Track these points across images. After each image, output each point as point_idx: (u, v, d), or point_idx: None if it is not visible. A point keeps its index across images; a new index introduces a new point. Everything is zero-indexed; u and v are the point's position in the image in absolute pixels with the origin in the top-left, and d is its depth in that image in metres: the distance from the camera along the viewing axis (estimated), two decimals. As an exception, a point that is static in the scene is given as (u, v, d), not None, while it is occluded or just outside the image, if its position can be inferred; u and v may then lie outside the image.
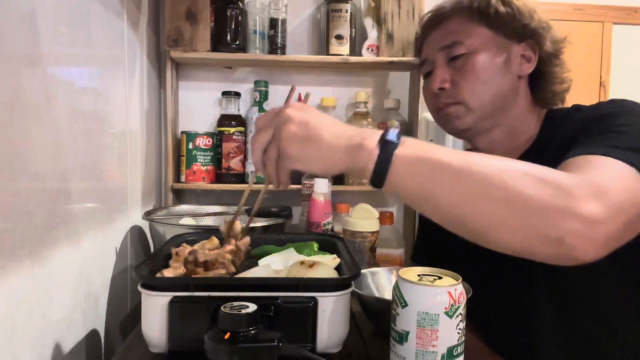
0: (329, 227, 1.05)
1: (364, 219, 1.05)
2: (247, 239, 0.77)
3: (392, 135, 0.54)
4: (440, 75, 0.82)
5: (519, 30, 0.80)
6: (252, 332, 0.55)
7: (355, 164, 0.55)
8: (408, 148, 0.54)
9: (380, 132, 0.55)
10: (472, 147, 0.91)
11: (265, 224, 1.00)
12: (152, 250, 1.15)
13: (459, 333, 0.55)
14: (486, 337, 0.78)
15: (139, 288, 0.63)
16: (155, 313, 0.62)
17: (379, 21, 1.29)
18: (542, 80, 0.83)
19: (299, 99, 1.35)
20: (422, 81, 0.96)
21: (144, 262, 0.70)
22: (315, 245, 0.84)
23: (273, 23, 1.29)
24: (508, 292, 0.81)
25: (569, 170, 0.55)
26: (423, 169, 0.53)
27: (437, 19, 0.86)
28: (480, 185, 0.51)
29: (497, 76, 0.80)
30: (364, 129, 0.58)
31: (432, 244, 0.97)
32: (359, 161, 0.54)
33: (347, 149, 0.55)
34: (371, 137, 0.55)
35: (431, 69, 0.86)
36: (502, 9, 0.80)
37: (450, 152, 0.54)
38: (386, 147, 0.53)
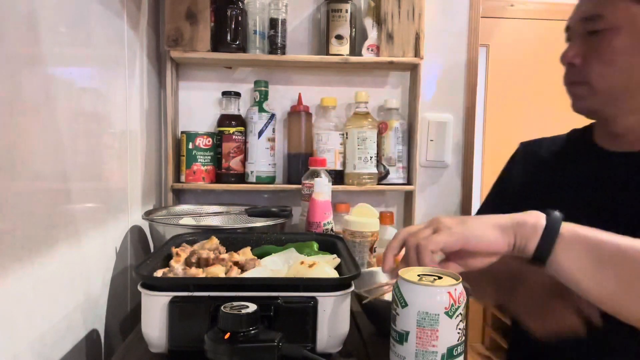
0: (329, 227, 1.05)
1: (364, 218, 1.05)
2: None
3: (555, 213, 0.58)
4: (574, 49, 0.77)
5: None
6: (252, 332, 0.55)
7: (518, 239, 0.58)
8: (571, 224, 0.57)
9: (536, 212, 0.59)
10: (601, 129, 0.84)
11: (265, 224, 1.00)
12: (152, 250, 1.15)
13: (459, 333, 0.55)
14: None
15: (139, 288, 0.63)
16: (155, 313, 0.62)
17: (379, 21, 1.29)
18: None
19: (299, 99, 1.35)
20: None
21: (144, 262, 0.70)
22: (315, 245, 0.84)
23: (273, 23, 1.29)
24: None
25: None
26: (589, 245, 0.56)
27: None
28: None
29: (634, 60, 0.73)
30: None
31: None
32: (524, 233, 0.57)
33: (508, 226, 0.58)
34: (531, 214, 0.59)
35: (571, 38, 0.80)
36: None
37: (609, 234, 0.57)
38: (552, 220, 0.57)
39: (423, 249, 0.59)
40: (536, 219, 0.58)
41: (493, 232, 0.59)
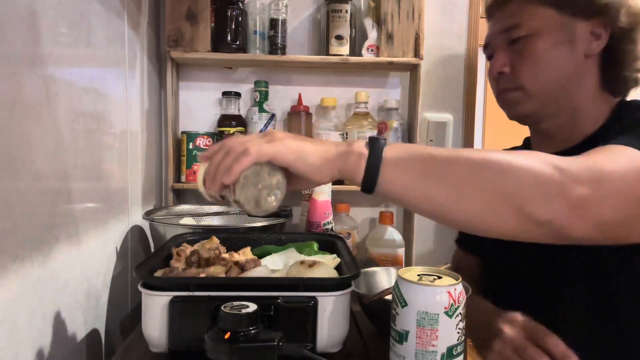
0: (329, 227, 1.05)
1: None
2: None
3: (378, 139, 0.57)
4: (500, 59, 0.80)
5: (588, 6, 0.74)
6: (252, 331, 0.55)
7: (345, 167, 0.56)
8: (396, 147, 0.56)
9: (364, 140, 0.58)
10: (534, 132, 0.87)
11: (265, 224, 1.00)
12: (152, 250, 1.16)
13: (458, 332, 0.55)
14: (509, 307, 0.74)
15: (140, 288, 0.63)
16: (155, 313, 0.62)
17: (379, 21, 1.29)
18: (613, 59, 0.77)
19: (299, 100, 1.35)
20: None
21: (145, 261, 0.71)
22: (315, 245, 0.85)
23: (273, 23, 1.29)
24: (541, 263, 0.78)
25: (583, 156, 0.55)
26: (413, 162, 0.55)
27: (500, 1, 0.82)
28: (468, 173, 0.53)
29: (559, 59, 0.76)
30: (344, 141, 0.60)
31: None
32: (350, 164, 0.56)
33: (337, 155, 0.56)
34: (357, 142, 0.57)
35: (493, 52, 0.83)
36: None
37: (439, 148, 0.56)
38: (376, 147, 0.55)
39: (244, 155, 0.54)
40: (360, 148, 0.56)
41: (317, 161, 0.56)
